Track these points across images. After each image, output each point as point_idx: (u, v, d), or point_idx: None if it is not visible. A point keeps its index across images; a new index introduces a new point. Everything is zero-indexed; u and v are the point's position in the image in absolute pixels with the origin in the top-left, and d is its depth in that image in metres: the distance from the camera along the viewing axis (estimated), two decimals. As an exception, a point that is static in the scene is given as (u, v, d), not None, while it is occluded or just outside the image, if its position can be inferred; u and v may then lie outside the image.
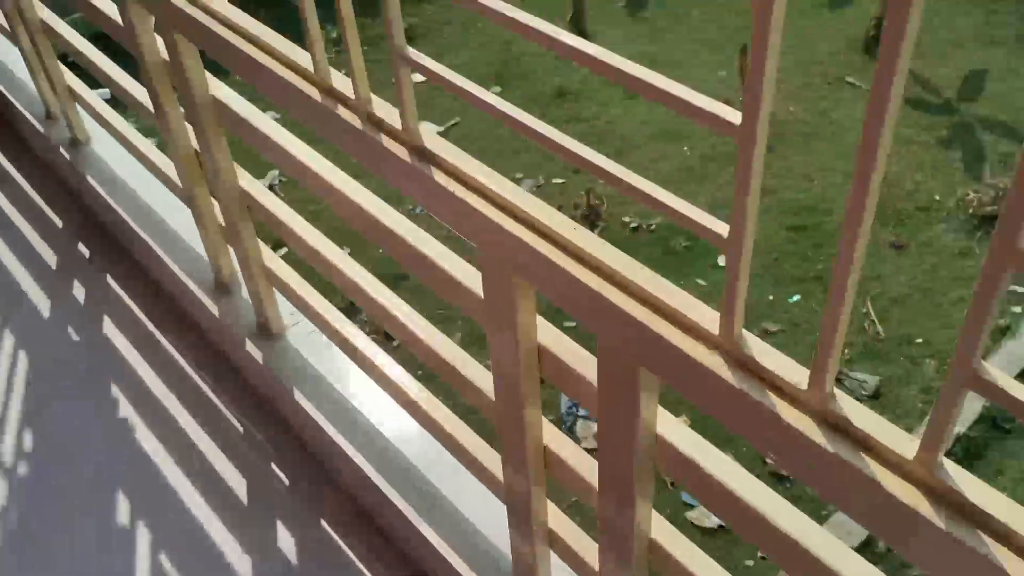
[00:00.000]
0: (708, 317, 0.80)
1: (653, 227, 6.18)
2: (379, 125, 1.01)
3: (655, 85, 0.69)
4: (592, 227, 6.27)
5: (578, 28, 7.97)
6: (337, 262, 1.33)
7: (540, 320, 1.02)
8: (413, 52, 0.92)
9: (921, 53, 7.61)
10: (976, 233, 6.00)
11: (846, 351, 5.36)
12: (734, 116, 0.65)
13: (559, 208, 0.85)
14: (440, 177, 0.96)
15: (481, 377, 1.19)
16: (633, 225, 6.17)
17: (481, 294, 1.03)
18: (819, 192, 6.46)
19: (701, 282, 5.72)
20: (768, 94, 0.61)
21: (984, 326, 0.58)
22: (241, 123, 1.31)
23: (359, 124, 1.02)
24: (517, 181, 6.68)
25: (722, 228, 0.72)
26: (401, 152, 0.99)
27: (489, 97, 0.86)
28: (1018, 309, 5.75)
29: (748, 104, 0.63)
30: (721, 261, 5.98)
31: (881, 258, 6.06)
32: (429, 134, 0.99)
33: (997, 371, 0.61)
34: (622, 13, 8.50)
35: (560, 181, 6.56)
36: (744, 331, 0.79)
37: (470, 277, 1.07)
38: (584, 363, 0.99)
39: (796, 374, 0.75)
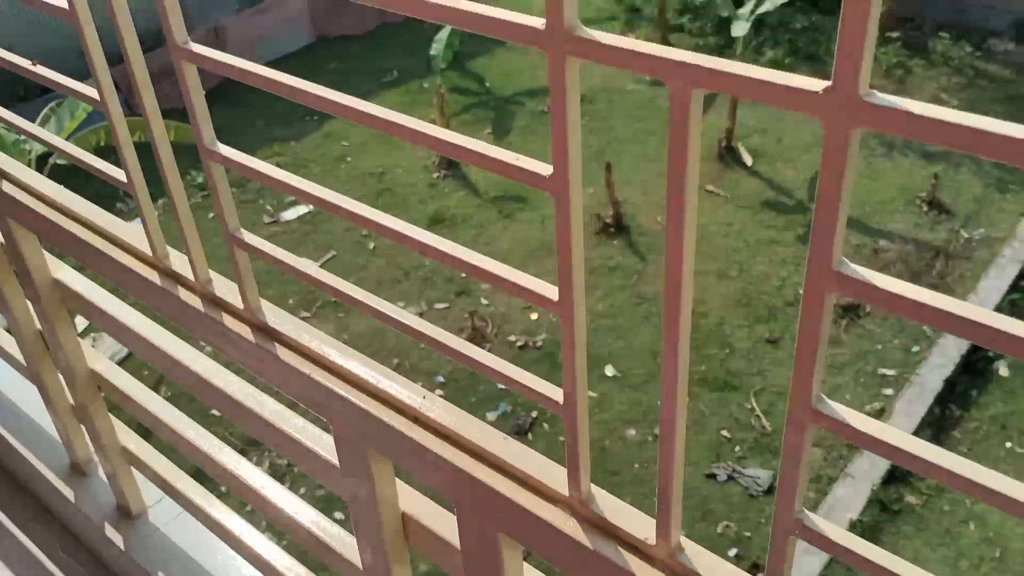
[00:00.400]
0: (558, 478, 0.81)
1: (540, 344, 6.26)
2: (220, 305, 1.00)
3: (484, 268, 0.72)
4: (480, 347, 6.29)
5: (448, 158, 8.20)
6: (191, 436, 1.28)
7: (401, 485, 1.01)
8: (247, 235, 0.92)
9: (772, 160, 8.16)
10: (841, 322, 6.33)
11: (737, 448, 5.48)
12: (552, 292, 0.68)
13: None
14: (285, 354, 0.95)
15: (347, 545, 1.15)
16: (520, 343, 6.23)
17: (337, 463, 1.01)
18: (695, 295, 6.71)
19: (592, 393, 5.79)
20: (579, 280, 0.64)
21: (798, 482, 0.61)
22: (84, 304, 1.28)
23: (200, 306, 1.00)
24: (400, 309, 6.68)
25: (557, 395, 0.74)
26: (244, 331, 0.98)
27: (315, 271, 0.87)
28: (890, 392, 6.04)
29: (562, 282, 0.66)
30: (609, 371, 6.10)
31: (759, 354, 6.30)
32: (272, 310, 0.98)
33: (819, 518, 0.63)
34: (490, 139, 8.82)
35: (443, 306, 6.60)
36: (592, 487, 0.80)
37: (325, 446, 1.04)
38: (449, 529, 0.97)
39: (645, 528, 0.76)
